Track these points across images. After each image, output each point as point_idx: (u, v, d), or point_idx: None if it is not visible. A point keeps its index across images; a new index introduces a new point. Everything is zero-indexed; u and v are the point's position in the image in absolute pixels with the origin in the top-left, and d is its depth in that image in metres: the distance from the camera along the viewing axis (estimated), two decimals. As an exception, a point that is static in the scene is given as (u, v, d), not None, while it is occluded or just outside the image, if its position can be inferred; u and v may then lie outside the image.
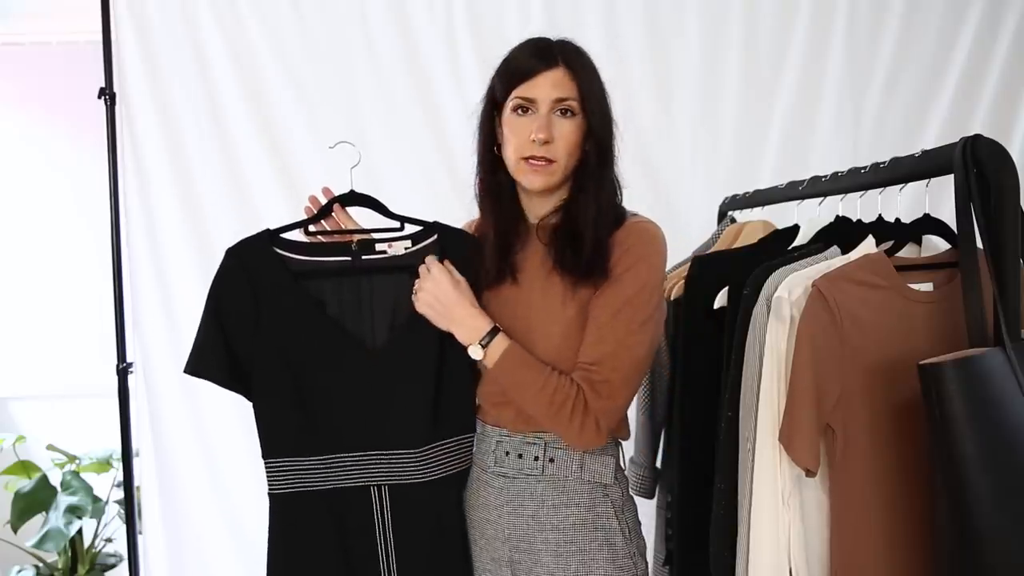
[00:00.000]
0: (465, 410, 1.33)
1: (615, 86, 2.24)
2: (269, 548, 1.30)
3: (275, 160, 2.25)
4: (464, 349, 1.25)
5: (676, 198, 2.28)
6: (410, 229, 1.35)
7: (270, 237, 1.31)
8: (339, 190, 1.39)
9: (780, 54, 2.28)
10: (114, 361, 2.17)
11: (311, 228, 1.38)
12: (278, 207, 2.23)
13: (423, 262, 1.28)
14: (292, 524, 1.28)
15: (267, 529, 1.30)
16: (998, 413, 0.93)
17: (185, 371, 1.28)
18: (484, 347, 1.22)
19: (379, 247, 1.33)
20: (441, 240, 1.33)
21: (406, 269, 1.30)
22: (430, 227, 1.34)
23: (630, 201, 1.31)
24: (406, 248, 1.33)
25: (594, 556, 1.24)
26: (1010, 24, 2.28)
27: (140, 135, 2.22)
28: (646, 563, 1.31)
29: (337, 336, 1.28)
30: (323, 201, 1.38)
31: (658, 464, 1.71)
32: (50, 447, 2.69)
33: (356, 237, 1.34)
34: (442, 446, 1.30)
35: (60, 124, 2.88)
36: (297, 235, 1.36)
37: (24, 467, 2.67)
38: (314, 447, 1.27)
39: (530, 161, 1.22)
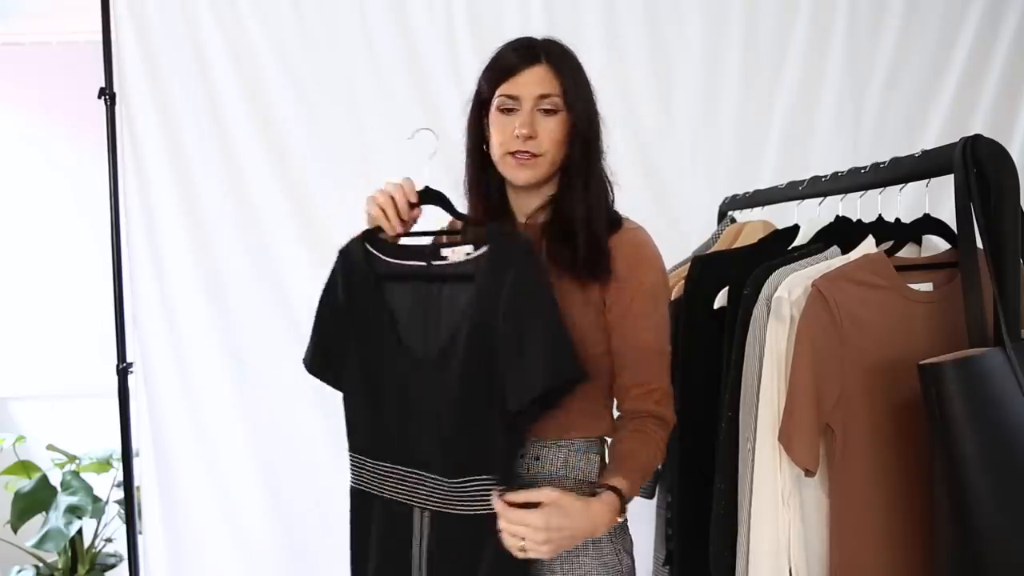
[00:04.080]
0: (507, 449, 1.16)
1: (615, 86, 2.25)
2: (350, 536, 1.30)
3: (275, 160, 2.25)
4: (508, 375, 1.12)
5: (676, 198, 2.27)
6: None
7: (369, 234, 1.25)
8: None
9: (780, 54, 2.28)
10: (114, 361, 2.17)
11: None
12: (278, 207, 2.23)
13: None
14: (357, 520, 1.28)
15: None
16: (998, 413, 0.93)
17: (308, 371, 1.29)
18: (620, 494, 1.13)
19: (443, 251, 1.21)
20: (492, 251, 1.17)
21: (466, 278, 1.17)
22: (488, 234, 1.19)
23: (630, 201, 1.31)
24: (467, 254, 1.19)
25: (578, 553, 1.23)
26: (1010, 24, 2.28)
27: (140, 135, 2.22)
28: (632, 559, 1.30)
29: (395, 346, 1.21)
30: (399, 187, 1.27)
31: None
32: (50, 447, 2.69)
33: (440, 239, 1.28)
34: (478, 482, 1.14)
35: (60, 124, 2.88)
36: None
37: (24, 467, 2.67)
38: (373, 451, 1.25)
39: (516, 155, 1.22)
